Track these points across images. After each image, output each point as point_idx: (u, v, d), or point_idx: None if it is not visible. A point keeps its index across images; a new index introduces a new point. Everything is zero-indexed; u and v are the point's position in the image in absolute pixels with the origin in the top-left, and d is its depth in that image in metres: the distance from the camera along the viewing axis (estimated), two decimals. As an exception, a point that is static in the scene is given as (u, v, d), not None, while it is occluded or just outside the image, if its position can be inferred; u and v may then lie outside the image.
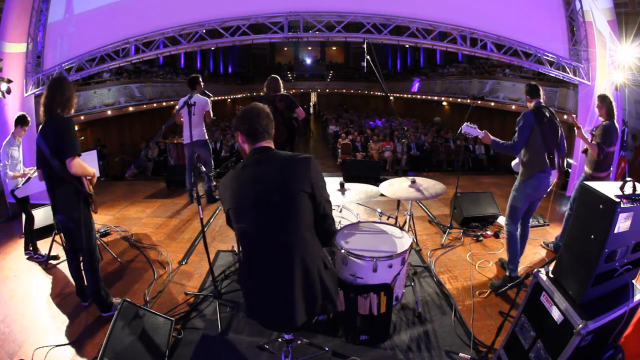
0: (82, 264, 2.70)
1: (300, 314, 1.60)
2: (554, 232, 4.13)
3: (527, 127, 2.81)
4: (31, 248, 3.65)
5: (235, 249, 3.61)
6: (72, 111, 2.48)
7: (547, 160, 2.85)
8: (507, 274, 3.02)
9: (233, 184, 1.64)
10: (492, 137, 2.97)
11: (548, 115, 2.90)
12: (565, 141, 3.00)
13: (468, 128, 3.00)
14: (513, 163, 3.15)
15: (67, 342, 2.44)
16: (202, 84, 4.65)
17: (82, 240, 2.51)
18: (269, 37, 6.31)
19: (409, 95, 19.73)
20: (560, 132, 2.94)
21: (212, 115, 4.84)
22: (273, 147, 1.72)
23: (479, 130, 2.97)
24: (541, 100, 2.93)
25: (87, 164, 2.45)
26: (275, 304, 1.61)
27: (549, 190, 2.95)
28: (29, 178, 3.66)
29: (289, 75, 24.49)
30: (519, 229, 3.05)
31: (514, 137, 2.86)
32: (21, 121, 3.68)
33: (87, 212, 2.53)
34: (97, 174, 2.67)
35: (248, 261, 1.67)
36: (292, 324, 1.62)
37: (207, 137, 5.00)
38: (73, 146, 2.30)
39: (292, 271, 1.57)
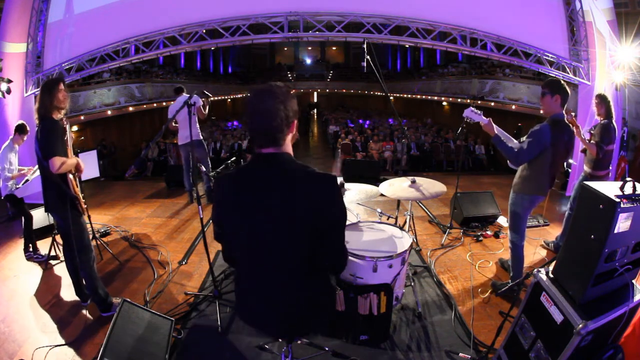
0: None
1: (290, 331, 1.54)
2: (554, 232, 4.13)
3: (540, 145, 2.51)
4: (31, 249, 3.65)
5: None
6: (65, 107, 2.49)
7: (549, 184, 2.65)
8: (509, 281, 2.98)
9: (230, 195, 1.38)
10: (496, 128, 2.68)
11: (566, 133, 2.57)
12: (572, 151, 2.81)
13: (471, 112, 2.72)
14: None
15: (67, 342, 2.44)
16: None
17: (72, 241, 2.53)
18: (269, 37, 6.31)
19: (409, 95, 19.75)
20: (572, 147, 2.69)
21: (204, 112, 4.88)
22: (286, 150, 1.36)
23: (483, 117, 2.69)
24: (563, 112, 2.59)
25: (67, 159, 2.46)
26: (265, 317, 1.49)
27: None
28: (27, 180, 3.67)
29: (289, 75, 24.52)
30: (524, 242, 2.87)
31: (522, 145, 2.57)
32: (19, 130, 3.71)
33: (76, 213, 2.55)
34: (97, 174, 2.67)
35: (242, 272, 1.53)
36: (282, 337, 1.61)
37: (201, 137, 5.03)
38: (53, 148, 2.34)
39: (290, 289, 1.43)
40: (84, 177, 2.67)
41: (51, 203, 2.51)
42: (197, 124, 4.93)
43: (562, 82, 2.62)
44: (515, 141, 2.76)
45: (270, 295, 1.45)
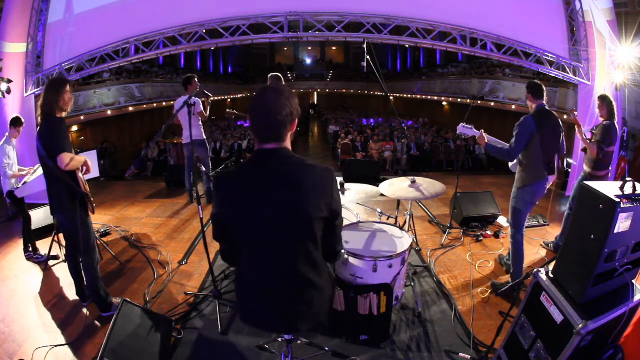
0: (81, 264, 2.71)
1: (290, 328, 1.55)
2: (554, 232, 4.13)
3: (526, 134, 2.68)
4: (31, 249, 3.65)
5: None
6: (68, 109, 2.46)
7: (546, 170, 2.77)
8: (510, 280, 3.00)
9: (232, 193, 1.40)
10: (487, 139, 2.85)
11: (551, 119, 2.77)
12: (565, 142, 2.94)
13: (464, 129, 2.93)
14: (510, 164, 3.07)
15: (67, 342, 2.44)
16: (197, 84, 4.64)
17: (79, 241, 2.51)
18: (269, 37, 6.31)
19: (409, 95, 19.77)
20: (562, 136, 2.85)
21: (205, 114, 4.86)
22: (286, 147, 1.41)
23: (475, 131, 2.87)
24: (544, 102, 2.80)
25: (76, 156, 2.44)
26: (265, 316, 1.51)
27: (548, 189, 2.93)
28: (25, 182, 3.67)
29: (289, 75, 24.52)
30: (524, 236, 2.94)
31: (511, 142, 2.76)
32: (15, 122, 3.71)
33: (84, 213, 2.52)
34: (97, 174, 2.66)
35: (243, 270, 1.54)
36: (285, 332, 1.61)
37: (204, 137, 5.02)
38: (61, 144, 2.31)
39: (290, 286, 1.45)
40: (85, 177, 2.66)
41: (58, 203, 2.46)
42: (200, 124, 4.93)
43: (540, 86, 2.81)
44: (504, 143, 2.92)
45: (270, 294, 1.46)
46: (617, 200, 1.52)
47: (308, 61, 27.26)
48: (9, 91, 4.53)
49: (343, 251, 2.32)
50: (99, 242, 3.72)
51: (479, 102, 11.88)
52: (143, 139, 13.27)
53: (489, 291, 2.99)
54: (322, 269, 1.52)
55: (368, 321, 2.32)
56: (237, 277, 1.60)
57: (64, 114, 2.45)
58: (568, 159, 6.15)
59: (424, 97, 18.07)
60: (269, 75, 4.31)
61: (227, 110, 5.52)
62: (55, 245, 3.51)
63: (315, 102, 27.64)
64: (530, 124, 2.69)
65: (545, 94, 2.82)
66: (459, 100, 14.60)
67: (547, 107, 2.80)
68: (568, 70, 5.73)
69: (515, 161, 2.98)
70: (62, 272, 3.36)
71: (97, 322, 2.65)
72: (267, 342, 2.32)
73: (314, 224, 1.39)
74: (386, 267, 2.31)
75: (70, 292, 3.00)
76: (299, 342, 2.18)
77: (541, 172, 2.77)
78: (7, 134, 3.68)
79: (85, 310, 2.77)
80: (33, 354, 2.31)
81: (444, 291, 3.01)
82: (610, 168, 3.50)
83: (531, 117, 2.72)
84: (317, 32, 6.09)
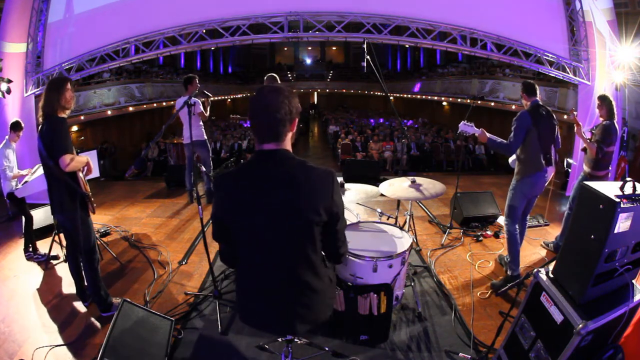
0: (81, 264, 2.71)
1: (290, 329, 1.53)
2: (554, 232, 4.13)
3: (523, 128, 2.82)
4: (31, 249, 3.65)
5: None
6: (71, 106, 2.45)
7: (544, 161, 2.88)
8: (509, 273, 3.03)
9: (232, 193, 1.40)
10: (488, 135, 2.96)
11: (545, 114, 2.90)
12: (560, 137, 3.05)
13: (465, 126, 3.03)
14: (510, 159, 3.17)
15: (67, 342, 2.44)
16: (197, 85, 4.63)
17: (80, 241, 2.51)
18: (269, 37, 6.31)
19: (409, 95, 19.77)
20: (556, 129, 2.97)
21: (206, 114, 4.86)
22: (286, 147, 1.39)
23: (475, 128, 2.98)
24: (538, 99, 2.94)
25: (78, 156, 2.44)
26: (265, 316, 1.50)
27: (548, 189, 2.97)
28: (26, 182, 3.67)
29: (289, 75, 24.52)
30: (517, 228, 3.05)
31: (510, 137, 2.88)
32: (15, 127, 3.72)
33: (84, 213, 2.52)
34: (97, 174, 2.66)
35: (243, 270, 1.54)
36: (284, 334, 1.60)
37: (205, 137, 5.01)
38: (63, 145, 2.30)
39: (290, 286, 1.45)
40: (85, 177, 2.66)
41: (59, 203, 2.45)
42: (201, 124, 4.93)
43: (533, 84, 2.98)
44: (503, 140, 3.04)
45: (270, 294, 1.47)
46: (617, 200, 1.52)
47: (308, 61, 27.26)
48: (9, 91, 4.53)
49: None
50: (99, 242, 3.72)
51: (479, 102, 11.89)
52: (143, 139, 13.27)
53: (489, 291, 2.99)
54: (322, 273, 1.51)
55: (368, 321, 2.32)
56: (237, 277, 1.60)
57: (66, 113, 2.44)
58: (568, 159, 6.15)
59: (424, 97, 18.07)
60: (265, 77, 4.31)
61: (231, 115, 5.62)
62: (56, 245, 3.52)
63: (315, 102, 27.67)
64: (527, 119, 2.83)
65: (538, 91, 2.96)
66: (459, 100, 14.60)
67: (540, 103, 2.94)
68: (568, 70, 5.73)
69: (514, 157, 3.05)
70: (62, 272, 3.36)
71: (97, 322, 2.65)
72: (267, 342, 2.32)
73: (313, 227, 1.37)
74: (386, 267, 2.31)
75: (70, 292, 3.00)
76: (299, 342, 2.18)
77: (539, 164, 2.88)
78: (6, 137, 3.69)
79: (85, 311, 2.78)
80: (33, 354, 2.31)
81: (444, 291, 3.01)
82: (610, 168, 3.50)
83: (527, 112, 2.87)
84: (317, 32, 6.09)
